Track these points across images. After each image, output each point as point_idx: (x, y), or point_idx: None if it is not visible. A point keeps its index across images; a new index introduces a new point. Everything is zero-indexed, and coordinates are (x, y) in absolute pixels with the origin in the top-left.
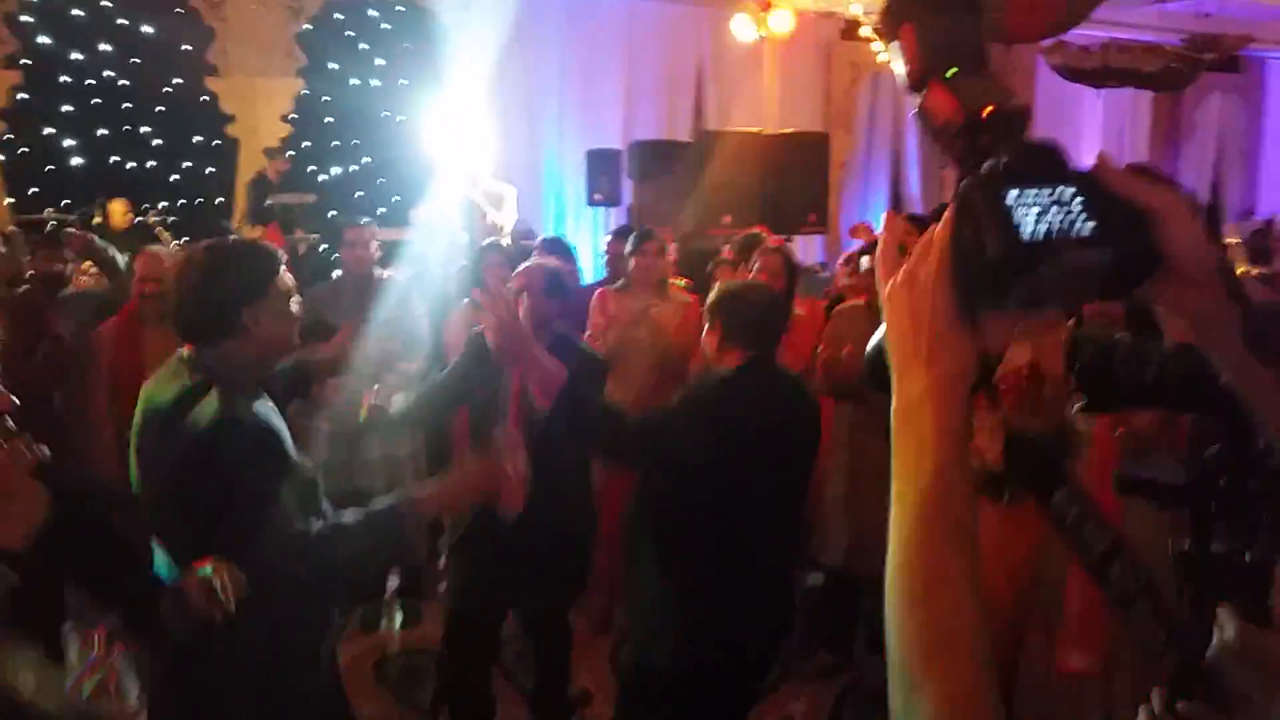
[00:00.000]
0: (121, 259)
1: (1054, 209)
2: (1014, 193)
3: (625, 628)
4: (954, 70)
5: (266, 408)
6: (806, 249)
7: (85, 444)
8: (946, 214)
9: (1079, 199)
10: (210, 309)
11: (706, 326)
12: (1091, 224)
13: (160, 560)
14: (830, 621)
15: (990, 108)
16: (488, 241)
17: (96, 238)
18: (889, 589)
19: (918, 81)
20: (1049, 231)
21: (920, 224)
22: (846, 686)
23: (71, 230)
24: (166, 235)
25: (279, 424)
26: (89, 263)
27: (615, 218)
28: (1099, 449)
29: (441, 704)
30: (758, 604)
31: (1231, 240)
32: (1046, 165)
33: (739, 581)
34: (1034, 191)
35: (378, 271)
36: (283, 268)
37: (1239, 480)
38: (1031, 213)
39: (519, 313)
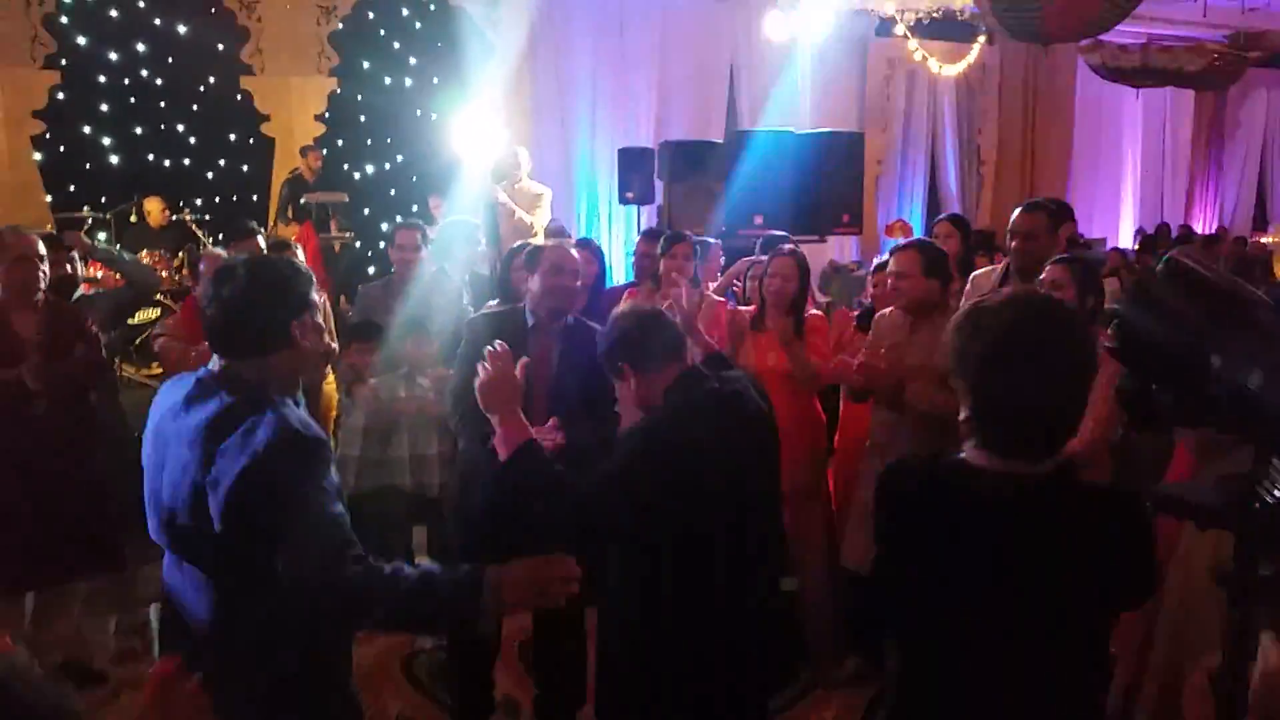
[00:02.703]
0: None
1: None
2: None
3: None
4: None
5: (308, 416)
6: (842, 249)
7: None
8: None
9: None
10: (263, 324)
11: (614, 379)
12: None
13: (183, 582)
14: (860, 627)
15: None
16: (518, 244)
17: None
18: None
19: None
20: None
21: (960, 225)
22: (877, 694)
23: (70, 231)
24: (202, 234)
25: (323, 433)
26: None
27: (648, 216)
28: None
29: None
30: (737, 638)
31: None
32: None
33: (710, 621)
34: None
35: (427, 272)
36: (314, 285)
37: (1275, 500)
38: None
39: (518, 370)
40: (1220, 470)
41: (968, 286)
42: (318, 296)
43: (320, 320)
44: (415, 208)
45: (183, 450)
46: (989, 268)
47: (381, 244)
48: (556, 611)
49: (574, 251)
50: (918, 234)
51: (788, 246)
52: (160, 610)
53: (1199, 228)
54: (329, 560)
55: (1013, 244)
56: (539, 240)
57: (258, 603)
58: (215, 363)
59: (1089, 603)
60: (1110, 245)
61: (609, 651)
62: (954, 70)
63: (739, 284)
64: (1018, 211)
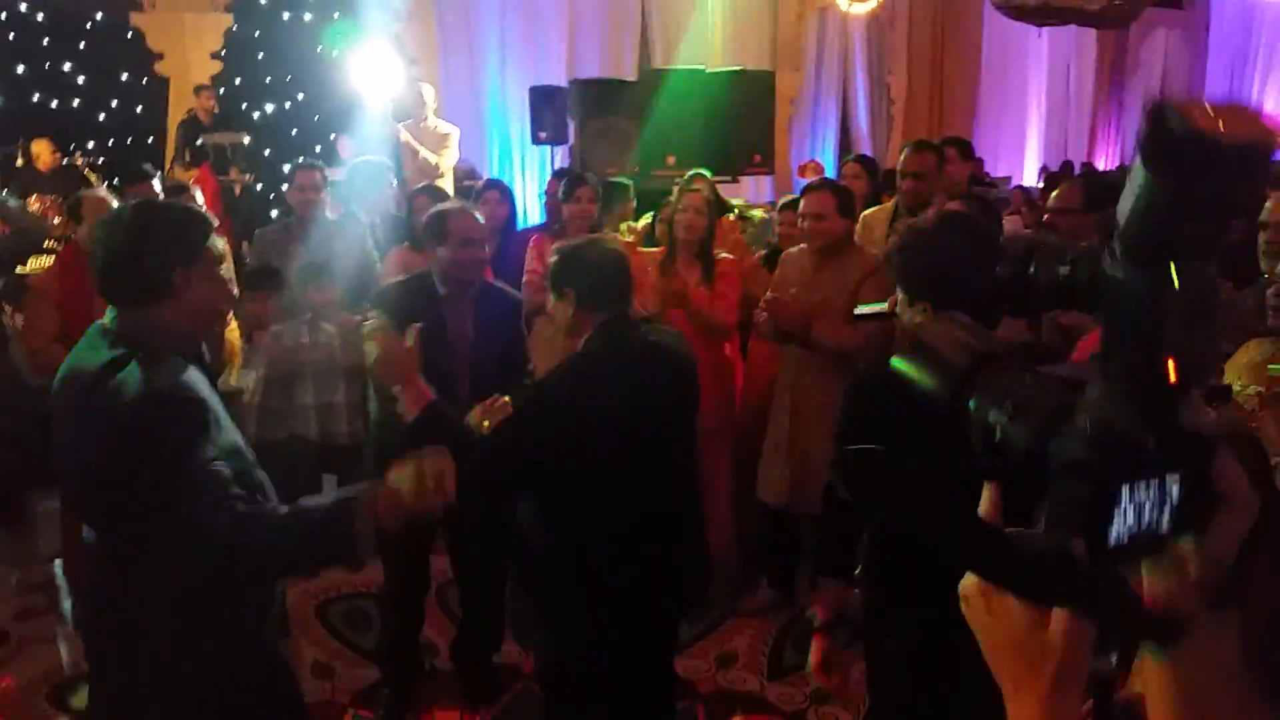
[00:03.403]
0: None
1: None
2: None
3: None
4: None
5: (194, 376)
6: (756, 190)
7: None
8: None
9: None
10: (141, 270)
11: (555, 296)
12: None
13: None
14: (772, 558)
15: None
16: (421, 185)
17: None
18: None
19: None
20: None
21: (869, 166)
22: (789, 622)
23: None
24: (95, 178)
25: (206, 393)
26: None
27: (561, 156)
28: None
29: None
30: (658, 571)
31: None
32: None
33: (636, 553)
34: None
35: (327, 215)
36: (215, 233)
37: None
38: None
39: (410, 339)
40: None
41: (857, 226)
42: (218, 243)
43: (220, 271)
44: (319, 148)
45: (70, 404)
46: (878, 207)
47: (284, 186)
48: (475, 555)
49: (478, 216)
50: (830, 174)
51: (697, 183)
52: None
53: (1101, 164)
54: (202, 516)
55: (902, 184)
56: (445, 182)
57: (148, 555)
58: (109, 314)
59: None
60: (1015, 184)
61: (524, 580)
62: (864, 8)
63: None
64: (906, 151)
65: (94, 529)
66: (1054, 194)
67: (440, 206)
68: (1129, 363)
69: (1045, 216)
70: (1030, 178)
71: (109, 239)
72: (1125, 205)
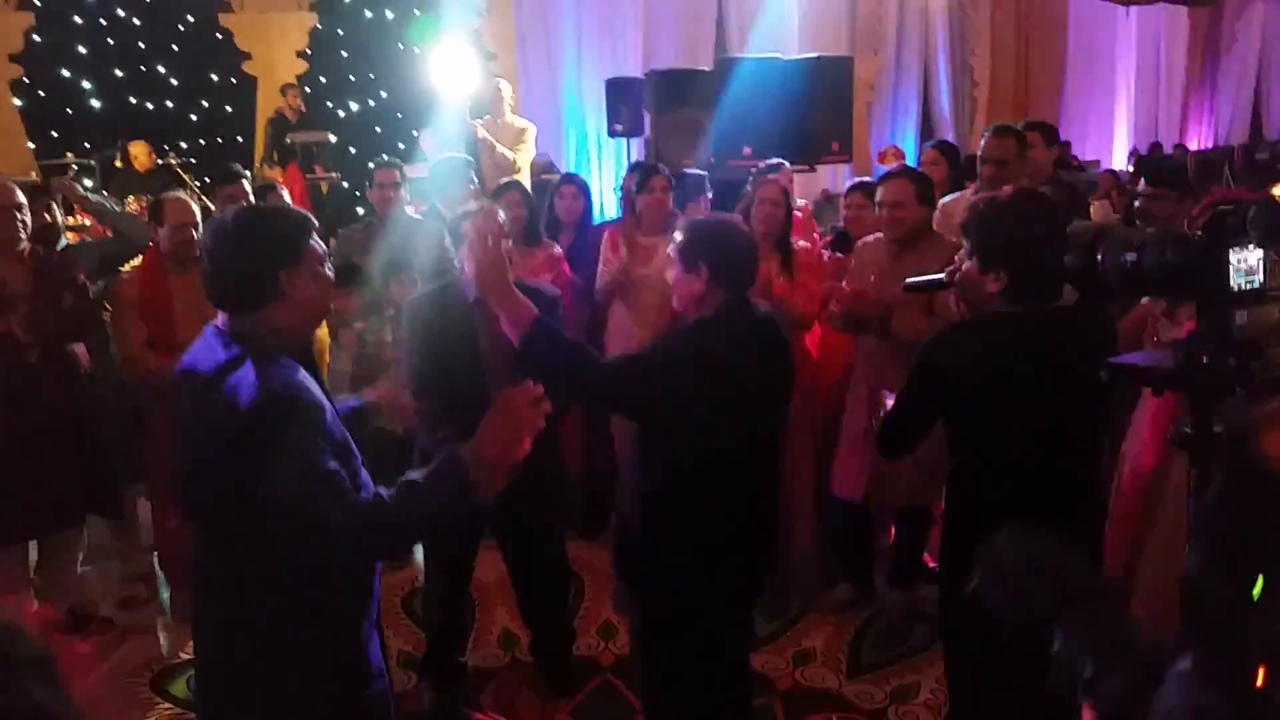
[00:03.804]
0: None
1: None
2: None
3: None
4: None
5: (303, 376)
6: (835, 178)
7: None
8: None
9: None
10: (246, 276)
11: (683, 268)
12: None
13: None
14: (851, 554)
15: None
16: (505, 180)
17: (79, 186)
18: None
19: None
20: None
21: (948, 152)
22: (868, 619)
23: (58, 179)
24: (188, 178)
25: (318, 392)
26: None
27: (638, 149)
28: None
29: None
30: (737, 551)
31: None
32: None
33: (726, 523)
34: None
35: (407, 211)
36: (314, 231)
37: (1219, 357)
38: None
39: (503, 248)
40: None
41: (936, 213)
42: (320, 242)
43: (324, 268)
44: (402, 145)
45: (187, 404)
46: (958, 194)
47: (369, 183)
48: (519, 547)
49: (501, 213)
50: (910, 159)
51: (772, 175)
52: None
53: (1194, 145)
54: (326, 513)
55: (983, 170)
56: (523, 177)
57: (260, 553)
58: (221, 316)
59: (1099, 385)
60: (1104, 167)
61: (634, 519)
62: None
63: None
64: (987, 135)
65: (203, 523)
66: (1142, 180)
67: (466, 208)
68: (1215, 663)
69: (1136, 202)
70: (1120, 161)
71: (215, 246)
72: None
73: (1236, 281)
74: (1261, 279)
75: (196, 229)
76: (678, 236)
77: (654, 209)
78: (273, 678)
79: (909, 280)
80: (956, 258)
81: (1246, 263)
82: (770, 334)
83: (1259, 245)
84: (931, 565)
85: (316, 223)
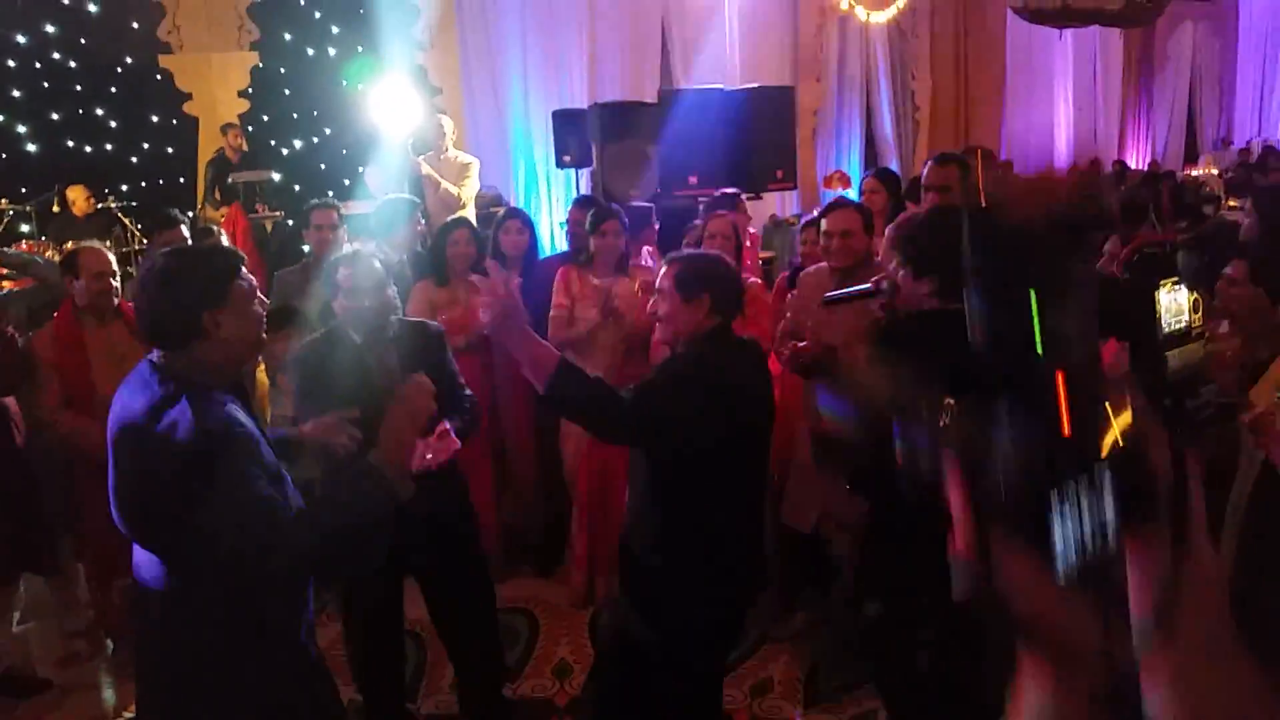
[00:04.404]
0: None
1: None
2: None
3: (604, 600)
4: None
5: (234, 409)
6: (783, 203)
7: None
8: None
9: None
10: (172, 315)
11: (683, 300)
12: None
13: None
14: (804, 583)
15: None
16: (452, 218)
17: None
18: None
19: None
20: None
21: (887, 180)
22: (824, 647)
23: None
24: (129, 222)
25: (250, 424)
26: None
27: (586, 180)
28: None
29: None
30: (743, 565)
31: (1210, 171)
32: None
33: (732, 544)
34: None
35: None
36: (244, 268)
37: (1154, 398)
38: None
39: (516, 293)
40: None
41: (883, 241)
42: (248, 280)
43: (253, 306)
44: (346, 182)
45: (126, 442)
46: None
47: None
48: (455, 588)
49: (376, 263)
50: (856, 184)
51: (721, 211)
52: (127, 589)
53: (1132, 162)
54: (260, 542)
55: (926, 198)
56: (468, 212)
57: (200, 579)
58: (155, 353)
59: None
60: None
61: (635, 548)
62: (884, 16)
63: None
64: (929, 165)
65: (153, 553)
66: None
67: (337, 255)
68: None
69: None
70: None
71: (145, 288)
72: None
73: (1167, 322)
74: (1187, 319)
75: (115, 276)
76: (667, 271)
77: (607, 252)
78: (214, 688)
79: (827, 295)
80: (890, 269)
81: (1176, 303)
82: (757, 354)
83: (1189, 287)
84: None
85: (245, 259)
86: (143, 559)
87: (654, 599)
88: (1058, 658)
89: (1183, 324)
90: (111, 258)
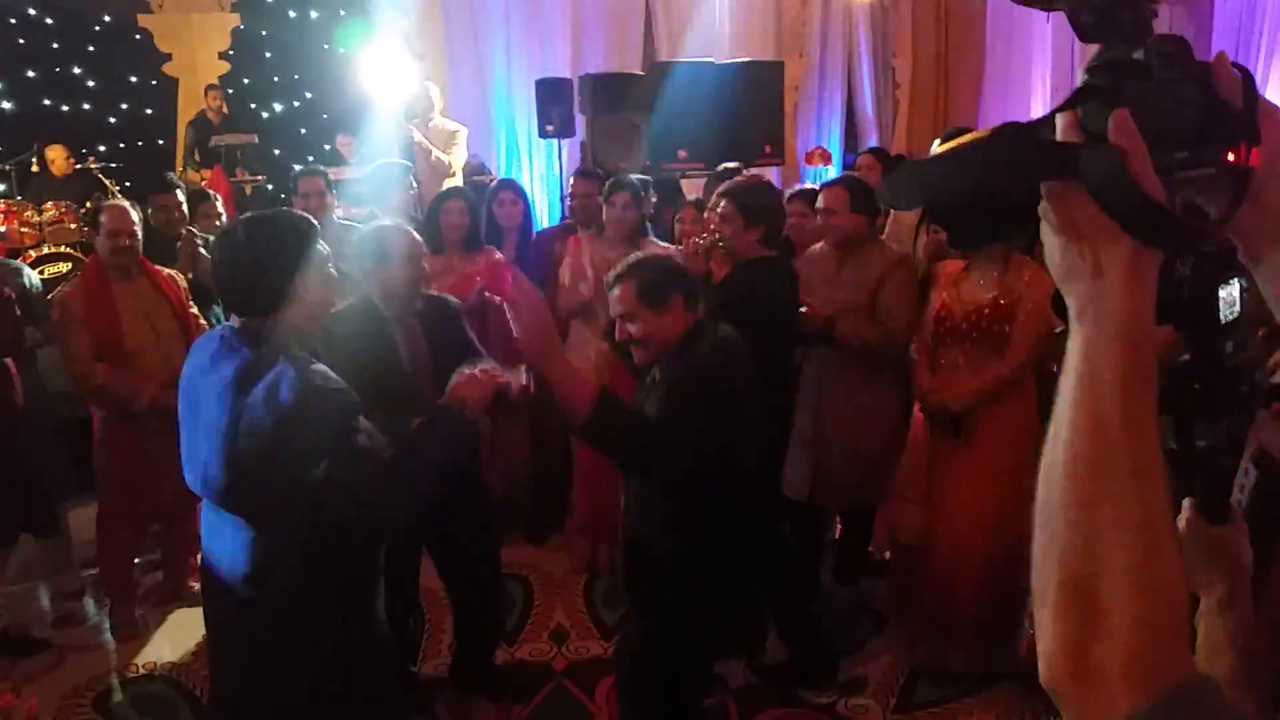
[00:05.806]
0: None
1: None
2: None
3: (601, 567)
4: None
5: (324, 367)
6: (775, 182)
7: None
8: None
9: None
10: (265, 282)
11: (653, 311)
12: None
13: (220, 530)
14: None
15: None
16: (448, 186)
17: None
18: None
19: None
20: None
21: (882, 157)
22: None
23: None
24: (110, 183)
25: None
26: None
27: (569, 150)
28: None
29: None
30: (762, 556)
31: None
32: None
33: (749, 537)
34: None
35: (335, 218)
36: (317, 235)
37: (1211, 384)
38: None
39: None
40: None
41: (889, 220)
42: (323, 245)
43: (329, 269)
44: (327, 147)
45: (212, 406)
46: None
47: (293, 189)
48: (466, 560)
49: (415, 233)
50: (836, 161)
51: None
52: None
53: None
54: (371, 493)
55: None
56: (456, 180)
57: (293, 545)
58: (235, 319)
59: None
60: None
61: (631, 575)
62: None
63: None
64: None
65: (244, 515)
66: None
67: (376, 224)
68: None
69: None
70: None
71: (231, 257)
72: None
73: (1223, 314)
74: (1238, 309)
75: (133, 236)
76: (623, 290)
77: (618, 223)
78: (293, 653)
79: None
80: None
81: (1231, 295)
82: (739, 345)
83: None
84: (877, 559)
85: (317, 224)
86: (219, 540)
87: (661, 593)
88: None
89: (1234, 314)
90: (135, 216)
